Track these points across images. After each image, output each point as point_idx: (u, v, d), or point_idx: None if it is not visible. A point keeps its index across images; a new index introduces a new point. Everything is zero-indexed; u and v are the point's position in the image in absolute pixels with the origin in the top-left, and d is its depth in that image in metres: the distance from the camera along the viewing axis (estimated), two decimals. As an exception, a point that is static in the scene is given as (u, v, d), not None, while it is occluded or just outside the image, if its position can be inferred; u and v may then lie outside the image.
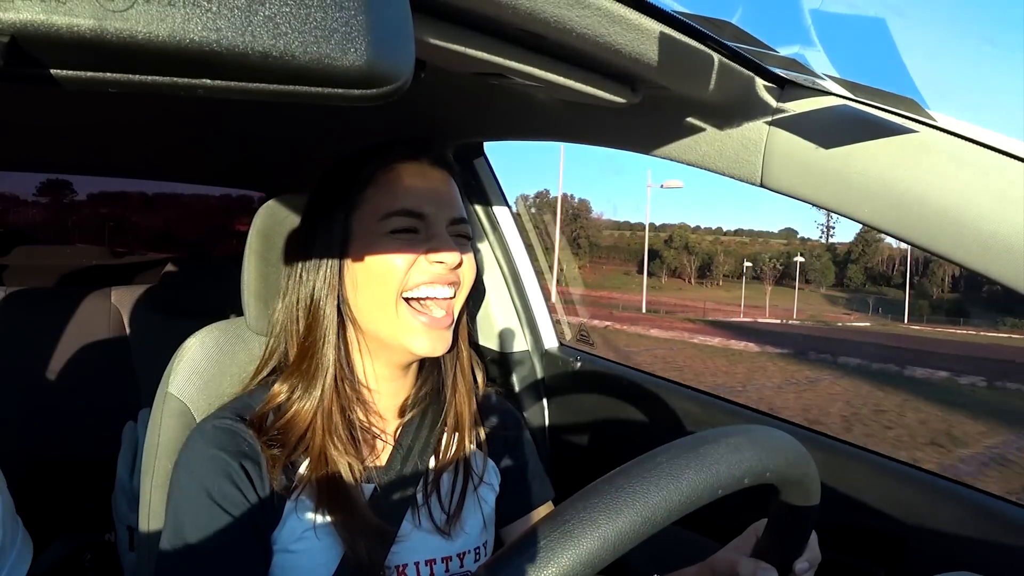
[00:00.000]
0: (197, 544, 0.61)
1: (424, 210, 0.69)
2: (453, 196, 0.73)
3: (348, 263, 0.70)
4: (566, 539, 0.39)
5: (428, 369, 0.78)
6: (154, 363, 0.87)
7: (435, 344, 0.69)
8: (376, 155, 0.71)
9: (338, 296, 0.70)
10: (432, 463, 0.74)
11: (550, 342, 1.37)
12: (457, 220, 0.71)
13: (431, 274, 0.68)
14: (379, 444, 0.73)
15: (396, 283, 0.67)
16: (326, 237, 0.70)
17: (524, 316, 1.34)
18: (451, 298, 0.70)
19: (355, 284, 0.69)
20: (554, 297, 1.54)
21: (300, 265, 0.71)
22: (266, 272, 0.78)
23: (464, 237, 0.72)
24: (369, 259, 0.68)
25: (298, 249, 0.73)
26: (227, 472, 0.63)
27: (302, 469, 0.67)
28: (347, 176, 0.71)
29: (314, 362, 0.69)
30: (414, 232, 0.69)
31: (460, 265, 0.69)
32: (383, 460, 0.72)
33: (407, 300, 0.68)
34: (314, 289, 0.70)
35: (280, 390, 0.69)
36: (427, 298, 0.69)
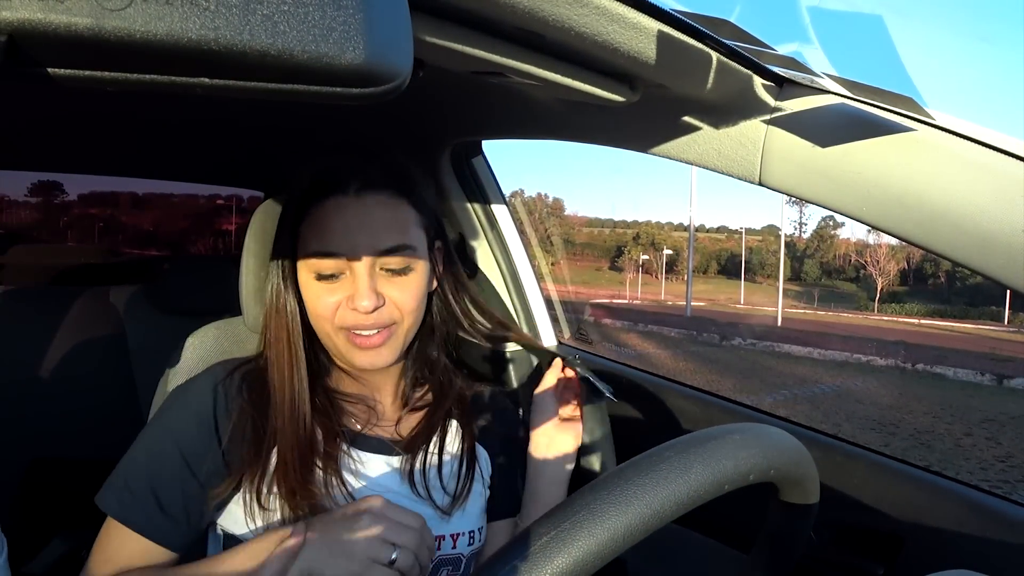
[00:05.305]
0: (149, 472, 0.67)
1: (341, 251, 0.69)
2: (381, 226, 0.70)
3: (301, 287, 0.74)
4: (577, 529, 0.39)
5: (411, 364, 0.82)
6: (153, 363, 0.88)
7: (374, 360, 0.72)
8: (310, 188, 0.72)
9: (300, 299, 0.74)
10: (435, 447, 0.77)
11: (549, 341, 1.37)
12: (385, 251, 0.70)
13: (355, 317, 0.70)
14: (384, 424, 0.78)
15: (328, 320, 0.71)
16: (280, 253, 0.74)
17: (523, 315, 1.34)
18: (384, 328, 0.72)
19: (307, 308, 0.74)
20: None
21: (272, 264, 0.75)
22: (263, 272, 0.78)
23: (394, 270, 0.71)
24: (305, 294, 0.72)
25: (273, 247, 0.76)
26: (201, 426, 0.68)
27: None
28: (291, 203, 0.74)
29: (290, 347, 0.72)
30: (339, 274, 0.70)
31: (384, 304, 0.70)
32: (396, 434, 0.77)
33: (343, 329, 0.71)
34: (277, 286, 0.74)
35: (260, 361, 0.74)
36: (359, 334, 0.71)
